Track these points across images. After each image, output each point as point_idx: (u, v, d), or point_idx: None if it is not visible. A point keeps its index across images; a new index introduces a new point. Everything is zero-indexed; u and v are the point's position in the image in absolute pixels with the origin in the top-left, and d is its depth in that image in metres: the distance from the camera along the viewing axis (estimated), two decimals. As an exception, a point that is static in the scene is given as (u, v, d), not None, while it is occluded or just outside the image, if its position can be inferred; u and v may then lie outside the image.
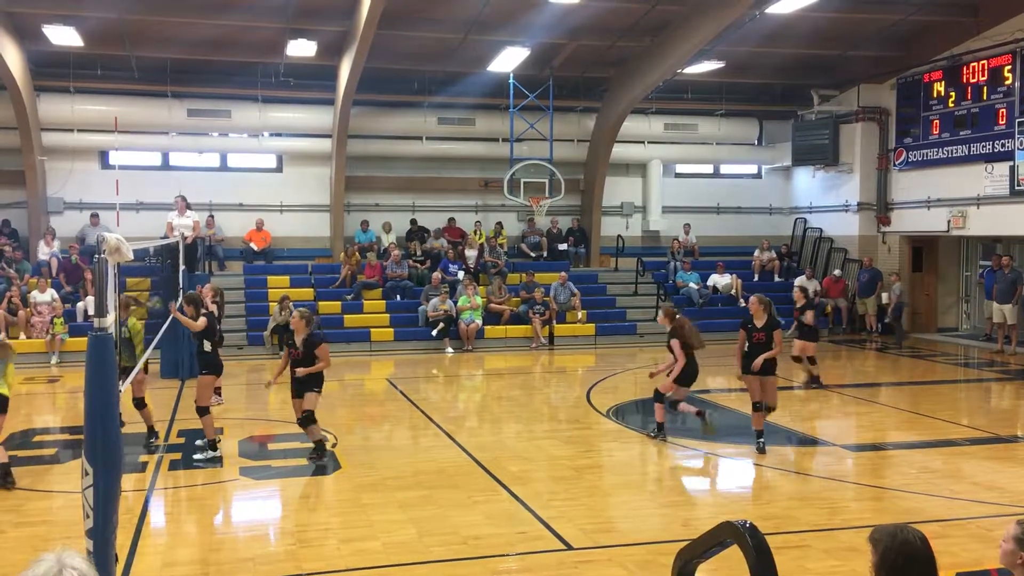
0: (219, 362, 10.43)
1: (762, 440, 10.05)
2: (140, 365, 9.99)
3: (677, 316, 10.78)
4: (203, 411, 10.01)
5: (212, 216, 20.81)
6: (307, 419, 9.55)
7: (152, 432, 10.50)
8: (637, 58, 20.25)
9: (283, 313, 18.18)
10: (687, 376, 10.54)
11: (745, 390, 10.49)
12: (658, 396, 10.67)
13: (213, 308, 11.95)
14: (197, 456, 9.93)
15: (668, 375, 10.58)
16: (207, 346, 10.22)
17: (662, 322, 10.94)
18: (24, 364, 16.39)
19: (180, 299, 11.50)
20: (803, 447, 10.79)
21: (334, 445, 10.36)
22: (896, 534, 3.45)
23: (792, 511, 8.02)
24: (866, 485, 9.03)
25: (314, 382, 9.60)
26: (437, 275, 20.02)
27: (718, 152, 24.39)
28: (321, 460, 9.54)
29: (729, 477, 9.82)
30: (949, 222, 19.89)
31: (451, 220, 22.29)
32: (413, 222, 22.11)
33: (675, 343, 10.46)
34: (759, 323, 10.12)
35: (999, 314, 18.35)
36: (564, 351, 19.17)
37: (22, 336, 17.29)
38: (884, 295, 21.05)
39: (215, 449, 9.90)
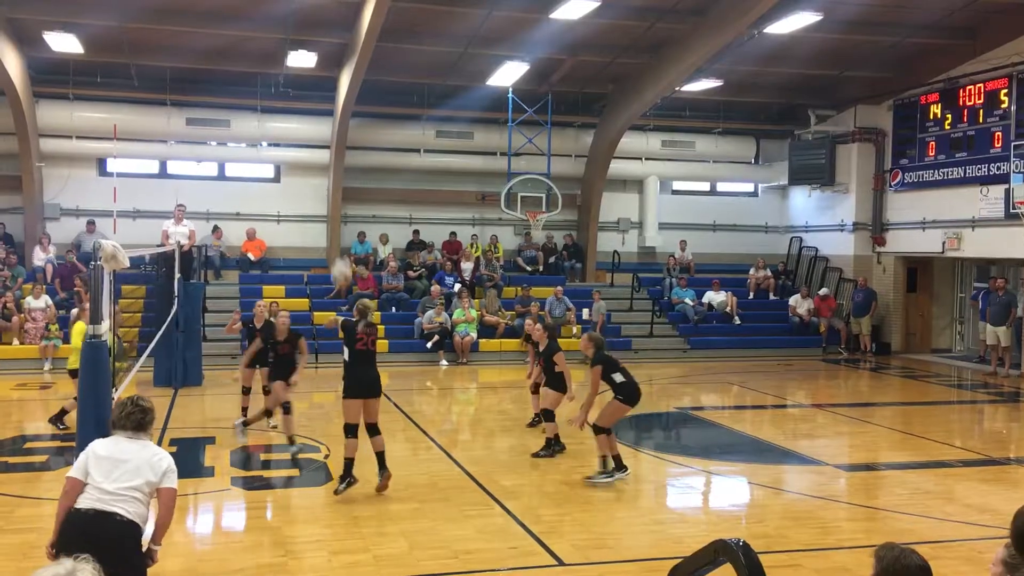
0: None
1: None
2: None
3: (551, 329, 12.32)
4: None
5: (219, 227, 20.90)
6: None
7: None
8: (636, 75, 20.34)
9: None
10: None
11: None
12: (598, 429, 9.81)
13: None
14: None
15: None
16: None
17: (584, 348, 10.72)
18: (17, 370, 16.39)
19: None
20: (795, 466, 10.77)
21: (326, 456, 10.34)
22: (900, 558, 3.46)
23: (784, 530, 8.01)
24: (859, 505, 9.04)
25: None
26: (436, 288, 20.02)
27: (715, 170, 24.47)
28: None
29: (721, 495, 9.80)
30: (944, 243, 19.96)
31: (452, 234, 22.31)
32: (415, 233, 22.13)
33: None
34: None
35: (993, 336, 18.38)
36: (558, 366, 19.10)
37: (15, 342, 17.25)
38: (586, 309, 20.17)
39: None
